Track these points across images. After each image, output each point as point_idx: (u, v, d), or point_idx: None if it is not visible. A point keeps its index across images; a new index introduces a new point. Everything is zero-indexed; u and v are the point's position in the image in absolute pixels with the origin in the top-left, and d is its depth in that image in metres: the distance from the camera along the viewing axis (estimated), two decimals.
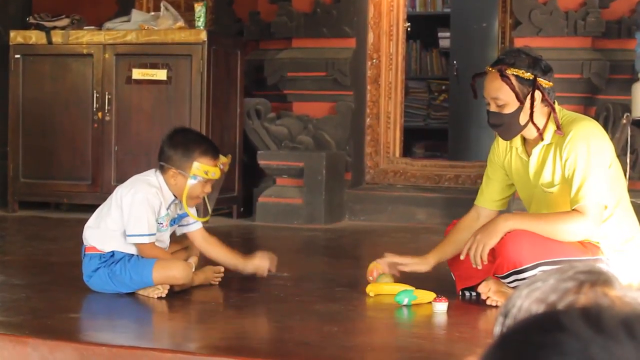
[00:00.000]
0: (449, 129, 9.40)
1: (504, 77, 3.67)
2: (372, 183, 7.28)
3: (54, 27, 6.90)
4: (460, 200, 6.67)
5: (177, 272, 3.83)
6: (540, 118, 3.74)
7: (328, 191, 6.60)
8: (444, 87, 9.69)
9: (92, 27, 6.95)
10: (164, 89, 6.58)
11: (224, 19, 7.87)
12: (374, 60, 7.25)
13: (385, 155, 7.30)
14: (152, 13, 7.11)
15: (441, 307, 3.60)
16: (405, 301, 3.71)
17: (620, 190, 3.78)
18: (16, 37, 6.93)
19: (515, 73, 3.68)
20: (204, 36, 6.49)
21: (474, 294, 3.85)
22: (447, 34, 9.52)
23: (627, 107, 6.12)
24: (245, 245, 6.12)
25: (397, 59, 7.29)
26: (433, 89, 9.79)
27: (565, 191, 3.67)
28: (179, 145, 3.93)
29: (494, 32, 8.37)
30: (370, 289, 3.87)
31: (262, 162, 6.72)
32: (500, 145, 3.95)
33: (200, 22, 6.65)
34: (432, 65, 9.84)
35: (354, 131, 7.02)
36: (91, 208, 6.75)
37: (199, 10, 6.68)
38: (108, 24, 6.92)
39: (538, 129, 3.73)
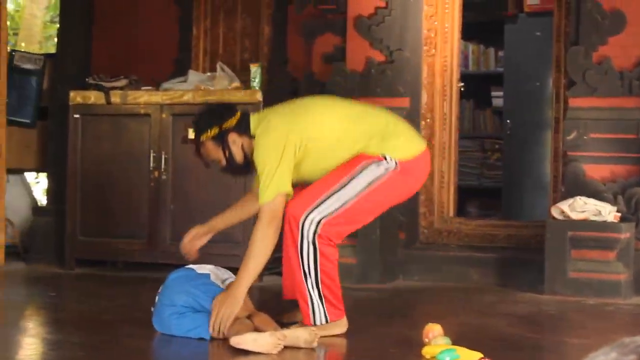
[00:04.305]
0: (502, 188, 9.37)
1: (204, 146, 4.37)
2: (426, 243, 7.26)
3: (113, 88, 7.03)
4: (514, 261, 6.64)
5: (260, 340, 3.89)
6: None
7: (382, 251, 6.60)
8: (497, 146, 9.67)
9: (149, 87, 7.07)
10: None
11: (279, 79, 7.95)
12: (428, 120, 7.27)
13: (440, 214, 7.29)
14: (209, 73, 7.21)
15: None
16: None
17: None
18: (76, 97, 7.07)
19: (208, 136, 4.35)
20: (259, 96, 6.57)
21: None
22: (501, 93, 9.53)
23: None
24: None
25: (450, 119, 7.30)
26: (486, 148, 9.77)
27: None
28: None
29: (547, 91, 8.37)
30: (427, 351, 3.84)
31: None
32: None
33: (256, 83, 6.74)
34: (486, 124, 9.83)
35: None
36: (147, 266, 6.86)
37: (255, 70, 6.78)
38: (165, 85, 7.04)
39: (246, 157, 4.35)
